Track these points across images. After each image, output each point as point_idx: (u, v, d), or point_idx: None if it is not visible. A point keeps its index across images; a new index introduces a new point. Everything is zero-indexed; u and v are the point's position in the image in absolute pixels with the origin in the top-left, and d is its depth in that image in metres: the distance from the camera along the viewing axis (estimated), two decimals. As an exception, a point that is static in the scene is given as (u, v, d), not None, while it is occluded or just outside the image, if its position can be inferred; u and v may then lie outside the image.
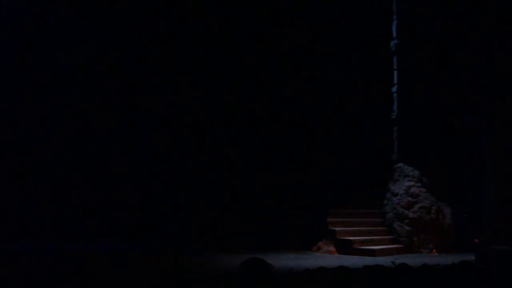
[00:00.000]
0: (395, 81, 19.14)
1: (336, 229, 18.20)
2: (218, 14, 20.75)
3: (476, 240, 16.23)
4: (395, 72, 19.18)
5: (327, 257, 17.01)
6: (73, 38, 20.15)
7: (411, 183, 18.57)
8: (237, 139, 20.74)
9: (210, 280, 10.54)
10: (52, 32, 19.97)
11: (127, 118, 20.30)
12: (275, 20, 21.28)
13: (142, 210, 19.86)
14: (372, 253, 17.14)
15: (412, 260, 14.81)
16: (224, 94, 20.62)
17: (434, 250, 18.09)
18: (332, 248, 18.05)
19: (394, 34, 19.19)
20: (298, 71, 21.33)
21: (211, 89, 20.61)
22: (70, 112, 19.86)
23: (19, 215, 19.01)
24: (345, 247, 17.77)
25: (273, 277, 10.21)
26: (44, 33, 19.98)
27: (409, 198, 18.40)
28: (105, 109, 20.06)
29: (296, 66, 21.33)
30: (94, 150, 19.86)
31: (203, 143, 20.54)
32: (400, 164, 18.84)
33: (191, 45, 20.61)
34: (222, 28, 20.73)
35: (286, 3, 21.35)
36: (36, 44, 20.03)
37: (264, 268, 10.20)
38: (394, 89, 19.17)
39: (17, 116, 19.61)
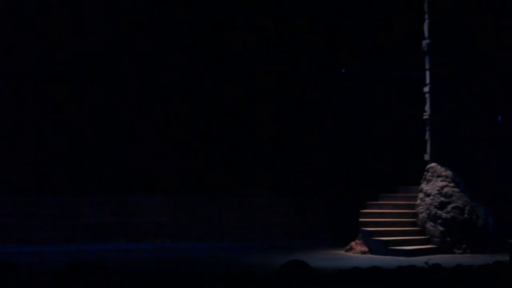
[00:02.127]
0: (427, 81, 19.06)
1: (369, 229, 18.17)
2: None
3: (510, 240, 16.10)
4: (427, 72, 19.10)
5: (359, 258, 17.00)
6: None
7: (444, 183, 18.49)
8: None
9: (249, 280, 10.60)
10: None
11: None
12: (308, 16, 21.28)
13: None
14: (405, 253, 17.10)
15: (446, 260, 14.75)
16: None
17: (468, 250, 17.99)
18: (364, 249, 18.04)
19: (426, 34, 19.11)
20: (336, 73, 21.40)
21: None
22: None
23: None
24: (377, 248, 17.75)
25: (313, 280, 10.23)
26: None
27: (442, 198, 18.32)
28: None
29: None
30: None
31: None
32: (433, 164, 18.76)
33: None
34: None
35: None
36: None
37: (305, 271, 10.25)
38: (427, 89, 19.09)
39: None
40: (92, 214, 20.01)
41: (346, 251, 18.27)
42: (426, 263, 12.41)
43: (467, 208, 18.27)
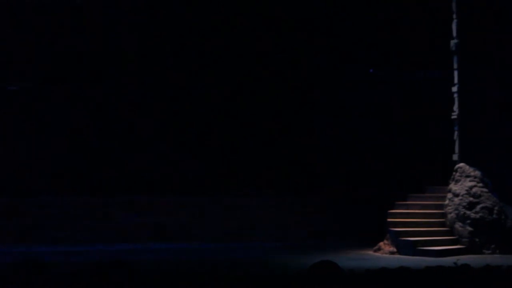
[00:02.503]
0: (456, 80, 18.99)
1: (397, 229, 18.15)
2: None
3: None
4: (456, 72, 19.03)
5: (387, 258, 16.99)
6: None
7: (473, 183, 18.41)
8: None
9: (279, 280, 10.67)
10: None
11: None
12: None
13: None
14: (433, 254, 17.07)
15: (474, 261, 14.69)
16: None
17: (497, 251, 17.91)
18: (392, 249, 18.03)
19: (455, 34, 19.04)
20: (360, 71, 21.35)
21: None
22: None
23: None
24: (406, 248, 17.72)
25: (343, 280, 10.28)
26: None
27: (471, 199, 18.25)
28: None
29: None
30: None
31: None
32: (461, 164, 18.69)
33: None
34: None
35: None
36: None
37: (335, 271, 10.31)
38: (455, 88, 19.02)
39: None
40: (118, 215, 20.18)
41: (374, 251, 18.26)
42: (455, 263, 12.40)
43: (496, 208, 18.19)
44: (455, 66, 19.04)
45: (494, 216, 18.13)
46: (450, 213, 18.41)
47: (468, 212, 18.15)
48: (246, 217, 20.47)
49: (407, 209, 19.00)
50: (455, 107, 18.96)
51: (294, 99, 21.51)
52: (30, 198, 20.04)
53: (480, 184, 18.43)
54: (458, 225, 18.20)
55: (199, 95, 21.09)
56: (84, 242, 19.45)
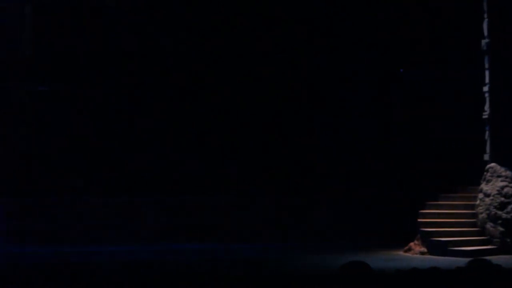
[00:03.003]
0: (487, 80, 18.91)
1: (428, 230, 18.12)
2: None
3: None
4: (487, 72, 18.95)
5: (418, 258, 16.97)
6: None
7: (504, 183, 18.31)
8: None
9: (310, 280, 10.70)
10: None
11: None
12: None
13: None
14: (464, 254, 17.00)
15: (506, 261, 14.64)
16: None
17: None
18: (423, 249, 18.00)
19: (486, 33, 18.95)
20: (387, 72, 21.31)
21: None
22: None
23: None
24: (436, 249, 17.68)
25: (374, 280, 10.29)
26: None
27: (502, 199, 18.16)
28: None
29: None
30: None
31: None
32: (492, 164, 18.60)
33: None
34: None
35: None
36: None
37: (366, 271, 10.31)
38: (486, 88, 18.94)
39: None
40: (150, 215, 20.32)
41: (405, 251, 18.24)
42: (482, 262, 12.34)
43: (528, 208, 18.08)
44: (486, 65, 18.96)
45: (526, 216, 18.03)
46: (481, 213, 18.33)
47: (499, 212, 18.07)
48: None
49: (438, 209, 18.96)
50: (486, 107, 18.88)
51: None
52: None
53: (512, 184, 18.33)
54: (489, 225, 18.12)
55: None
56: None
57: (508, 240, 17.90)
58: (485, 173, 18.60)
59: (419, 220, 18.52)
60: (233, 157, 20.98)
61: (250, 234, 20.16)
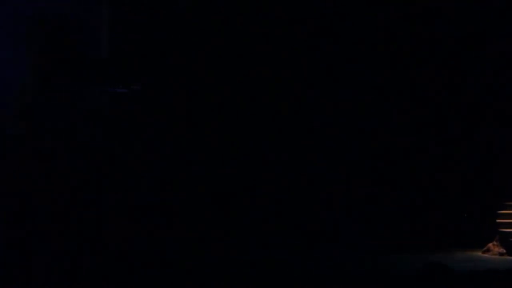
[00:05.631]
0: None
1: (507, 230, 17.95)
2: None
3: None
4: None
5: (496, 260, 16.85)
6: None
7: None
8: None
9: (394, 281, 10.78)
10: None
11: None
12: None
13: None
14: (545, 257, 16.82)
15: None
16: None
17: None
18: (502, 250, 17.83)
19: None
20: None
21: None
22: None
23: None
24: (517, 250, 17.53)
25: (454, 281, 10.32)
26: None
27: None
28: None
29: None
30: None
31: None
32: None
33: None
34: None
35: None
36: None
37: (447, 272, 10.36)
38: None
39: None
40: None
41: (483, 252, 18.10)
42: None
43: None
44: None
45: None
46: (562, 213, 18.08)
47: None
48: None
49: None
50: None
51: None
52: None
53: None
54: None
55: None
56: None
57: None
58: None
59: (497, 220, 18.36)
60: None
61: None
